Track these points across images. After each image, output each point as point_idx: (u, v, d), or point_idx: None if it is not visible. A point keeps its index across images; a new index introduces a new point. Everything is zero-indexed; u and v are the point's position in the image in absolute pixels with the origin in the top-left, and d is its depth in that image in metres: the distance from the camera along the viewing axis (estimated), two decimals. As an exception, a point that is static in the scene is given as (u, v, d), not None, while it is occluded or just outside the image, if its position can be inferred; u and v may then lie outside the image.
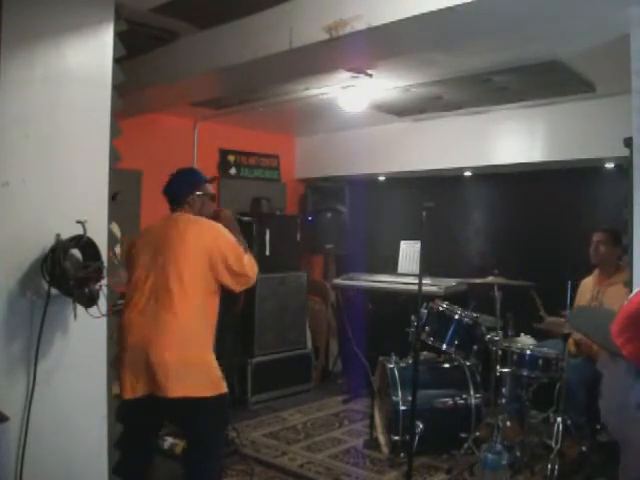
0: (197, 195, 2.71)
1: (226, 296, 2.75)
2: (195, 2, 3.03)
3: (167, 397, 2.36)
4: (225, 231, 2.65)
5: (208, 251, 2.54)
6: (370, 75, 3.77)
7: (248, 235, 5.26)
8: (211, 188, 2.87)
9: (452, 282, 5.01)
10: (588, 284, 4.07)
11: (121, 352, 2.46)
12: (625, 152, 2.61)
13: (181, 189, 2.71)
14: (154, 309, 2.44)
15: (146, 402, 2.42)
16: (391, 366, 3.96)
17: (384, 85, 4.10)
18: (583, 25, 2.89)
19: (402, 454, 3.75)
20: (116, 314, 2.65)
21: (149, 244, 2.58)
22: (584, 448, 3.58)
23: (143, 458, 2.61)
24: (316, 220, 5.88)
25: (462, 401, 3.91)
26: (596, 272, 4.06)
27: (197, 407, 2.44)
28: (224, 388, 2.56)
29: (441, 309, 4.09)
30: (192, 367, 2.43)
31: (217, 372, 2.53)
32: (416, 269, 4.62)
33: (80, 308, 2.24)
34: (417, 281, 3.33)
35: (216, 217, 2.82)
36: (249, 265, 2.66)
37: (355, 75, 3.76)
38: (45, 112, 2.33)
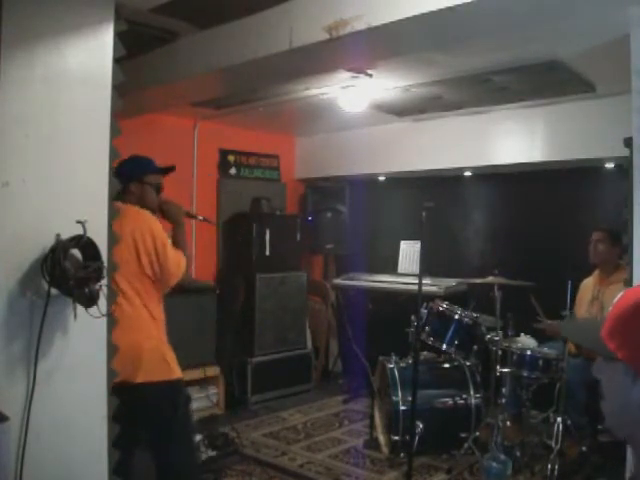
0: (141, 183, 2.69)
1: (226, 296, 2.76)
2: (195, 2, 3.03)
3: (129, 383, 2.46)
4: (153, 220, 2.64)
5: (135, 240, 2.55)
6: (370, 75, 3.76)
7: (248, 235, 5.30)
8: (161, 179, 2.81)
9: (452, 282, 5.01)
10: (589, 285, 4.07)
11: None
12: (625, 152, 2.61)
13: (125, 175, 2.66)
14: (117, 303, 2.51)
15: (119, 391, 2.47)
16: (391, 366, 3.96)
17: (384, 85, 4.10)
18: (583, 25, 2.89)
19: (402, 454, 3.76)
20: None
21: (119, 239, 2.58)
22: (584, 448, 3.58)
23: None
24: (316, 220, 5.88)
25: (462, 401, 3.91)
26: (596, 272, 4.06)
27: (149, 392, 2.51)
28: (171, 375, 2.59)
29: (441, 309, 4.10)
30: (142, 354, 2.51)
31: (166, 360, 2.58)
32: (416, 269, 4.62)
33: (80, 308, 2.24)
34: (417, 281, 3.34)
35: (161, 210, 2.80)
36: (173, 259, 2.62)
37: (355, 75, 3.76)
38: (45, 112, 2.32)
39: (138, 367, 2.52)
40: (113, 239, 2.54)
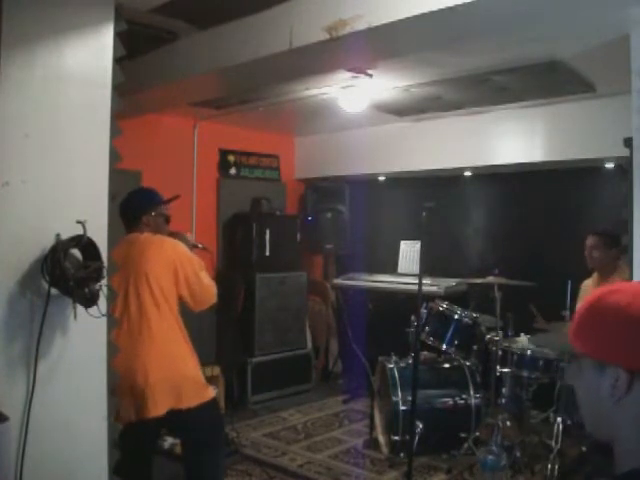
0: (152, 215, 2.73)
1: (226, 296, 2.77)
2: (195, 2, 3.03)
3: (156, 415, 2.46)
4: (184, 246, 2.70)
5: (171, 264, 2.57)
6: (370, 75, 3.76)
7: (248, 235, 5.30)
8: (167, 209, 2.86)
9: (452, 282, 5.01)
10: (589, 285, 4.07)
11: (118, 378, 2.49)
12: (625, 152, 2.61)
13: (136, 209, 2.72)
14: (132, 335, 2.51)
15: (139, 425, 2.51)
16: (391, 366, 3.96)
17: (384, 85, 4.10)
18: (583, 25, 2.89)
19: (402, 454, 3.75)
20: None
21: (119, 267, 2.56)
22: (584, 448, 3.58)
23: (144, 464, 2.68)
24: (316, 220, 5.88)
25: (462, 401, 3.91)
26: (595, 274, 4.06)
27: (187, 417, 2.53)
28: (209, 394, 2.64)
29: (441, 309, 4.10)
30: (179, 383, 2.52)
31: (201, 381, 2.62)
32: (416, 269, 4.61)
33: (80, 308, 2.24)
34: (417, 281, 3.33)
35: None
36: (208, 283, 2.67)
37: (355, 75, 3.76)
38: (45, 112, 2.32)
39: (182, 394, 2.53)
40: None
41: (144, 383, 2.47)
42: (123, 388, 2.47)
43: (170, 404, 2.50)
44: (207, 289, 2.68)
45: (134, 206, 2.73)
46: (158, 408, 2.48)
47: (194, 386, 2.58)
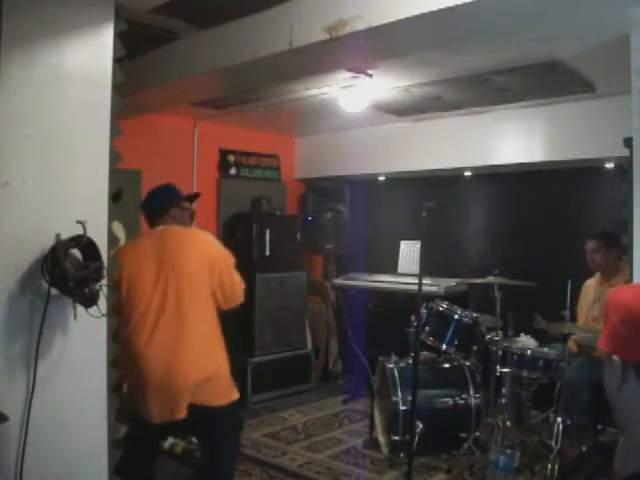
0: (179, 209, 2.72)
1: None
2: (195, 2, 3.03)
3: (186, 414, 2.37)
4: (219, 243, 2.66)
5: (210, 259, 2.52)
6: (370, 75, 3.76)
7: (248, 235, 5.30)
8: (191, 206, 2.85)
9: (452, 282, 5.01)
10: (591, 286, 4.08)
11: (139, 381, 2.39)
12: (625, 152, 2.62)
13: (163, 202, 2.70)
14: (170, 329, 2.40)
15: (162, 425, 2.42)
16: (391, 366, 3.96)
17: (384, 85, 4.10)
18: (583, 25, 2.89)
19: (402, 454, 3.75)
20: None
21: (146, 260, 2.49)
22: (584, 448, 3.58)
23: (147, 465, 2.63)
24: (316, 220, 5.88)
25: (462, 401, 3.91)
26: (598, 274, 4.06)
27: (214, 415, 2.46)
28: (236, 394, 2.58)
29: (441, 309, 4.10)
30: (213, 380, 2.45)
31: (230, 380, 2.56)
32: (416, 269, 4.61)
33: (80, 308, 2.24)
34: (417, 281, 3.33)
35: None
36: (238, 280, 2.64)
37: (355, 75, 3.76)
38: (45, 112, 2.32)
39: (215, 391, 2.47)
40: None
41: (184, 384, 2.37)
42: (158, 387, 2.36)
43: (202, 401, 2.42)
44: (237, 287, 2.63)
45: (161, 199, 2.71)
46: (188, 397, 2.39)
47: (225, 385, 2.51)
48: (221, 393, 2.47)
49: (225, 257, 2.60)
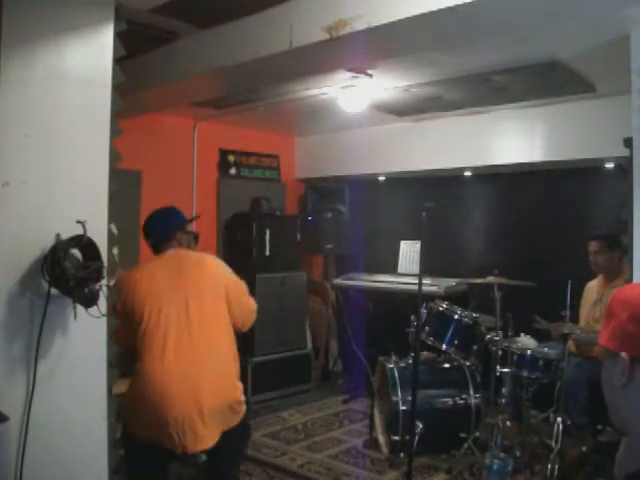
0: (185, 233, 2.63)
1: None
2: (195, 2, 3.03)
3: (209, 447, 2.28)
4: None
5: (225, 284, 2.48)
6: (370, 75, 3.77)
7: (248, 235, 5.30)
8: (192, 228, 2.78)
9: (452, 282, 5.01)
10: (593, 287, 4.08)
11: (159, 408, 2.21)
12: (625, 152, 2.62)
13: (168, 227, 2.59)
14: (192, 356, 2.29)
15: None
16: (391, 366, 3.95)
17: (384, 85, 4.10)
18: (583, 25, 2.89)
19: (402, 454, 3.75)
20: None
21: (164, 288, 2.38)
22: (584, 448, 3.58)
23: None
24: (316, 220, 5.88)
25: (462, 401, 3.91)
26: (600, 276, 4.06)
27: (231, 433, 2.38)
28: (244, 405, 2.48)
29: (441, 309, 4.09)
30: (233, 407, 2.38)
31: (242, 398, 2.46)
32: (416, 269, 4.62)
33: (80, 308, 2.24)
34: (417, 281, 3.33)
35: None
36: (252, 303, 2.62)
37: (355, 75, 3.76)
38: (45, 112, 2.33)
39: (234, 412, 2.38)
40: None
41: (208, 409, 2.26)
42: (180, 413, 2.21)
43: (227, 425, 2.34)
44: (252, 308, 2.60)
45: (166, 224, 2.60)
46: (213, 439, 2.29)
47: (238, 406, 2.41)
48: (237, 411, 2.40)
49: (238, 280, 2.58)
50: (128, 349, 2.53)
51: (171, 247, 2.55)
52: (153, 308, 2.32)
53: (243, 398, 2.44)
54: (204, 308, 2.38)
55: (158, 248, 2.57)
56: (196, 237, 2.73)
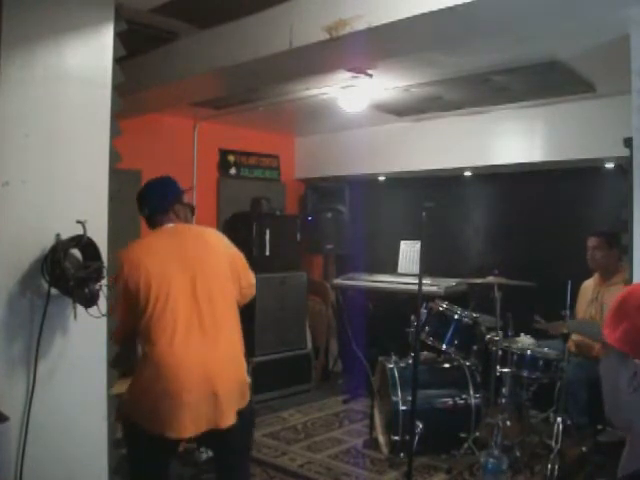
0: (182, 205, 2.51)
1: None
2: (195, 2, 3.03)
3: (227, 425, 2.22)
4: None
5: (228, 258, 2.41)
6: (370, 75, 3.77)
7: (248, 235, 5.30)
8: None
9: (452, 282, 5.01)
10: (589, 286, 4.08)
11: (170, 395, 2.13)
12: (625, 152, 2.62)
13: (165, 198, 2.46)
14: (204, 335, 2.22)
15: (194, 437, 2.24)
16: (391, 366, 3.95)
17: (384, 85, 4.10)
18: (583, 25, 2.89)
19: (402, 454, 3.75)
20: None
21: (168, 262, 2.28)
22: (584, 448, 3.58)
23: None
24: (316, 220, 5.88)
25: (462, 401, 3.91)
26: (596, 274, 4.06)
27: (248, 411, 2.35)
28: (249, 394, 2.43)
29: (441, 309, 4.09)
30: (243, 386, 2.33)
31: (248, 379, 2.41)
32: (416, 269, 4.62)
33: (80, 308, 2.24)
34: (417, 281, 3.33)
35: None
36: (252, 276, 2.54)
37: (355, 75, 3.76)
38: (45, 112, 2.33)
39: (243, 393, 2.33)
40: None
41: (230, 390, 2.22)
42: (199, 397, 2.15)
43: (239, 405, 2.29)
44: (252, 281, 2.52)
45: (163, 195, 2.46)
46: (231, 417, 2.23)
47: (246, 386, 2.35)
48: (245, 397, 2.34)
49: (239, 253, 2.50)
50: (126, 342, 2.49)
51: (169, 220, 2.42)
52: (160, 290, 2.21)
53: (249, 379, 2.38)
54: (210, 285, 2.29)
55: (154, 220, 2.44)
56: (192, 209, 2.59)
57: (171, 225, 2.42)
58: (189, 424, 2.14)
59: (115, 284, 2.31)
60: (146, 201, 2.48)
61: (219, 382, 2.19)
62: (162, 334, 2.18)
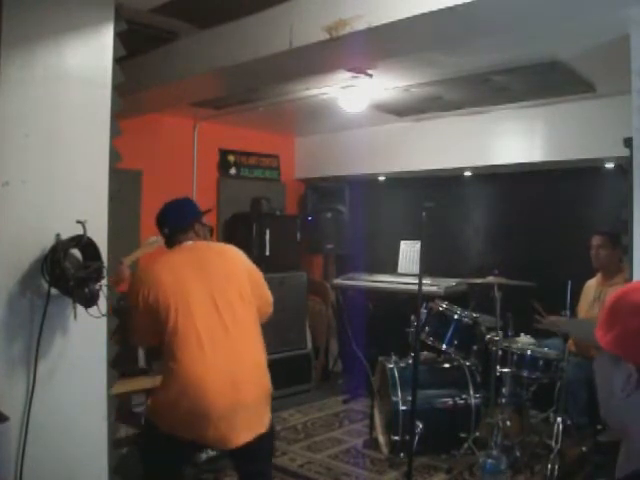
0: (201, 225, 2.55)
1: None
2: (195, 2, 3.03)
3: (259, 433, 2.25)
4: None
5: (248, 272, 2.45)
6: (370, 75, 3.77)
7: (248, 235, 5.30)
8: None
9: (452, 282, 5.01)
10: (591, 286, 4.08)
11: (198, 408, 2.14)
12: (625, 152, 2.62)
13: (187, 217, 2.50)
14: (229, 345, 2.25)
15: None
16: (391, 366, 3.95)
17: (384, 85, 4.10)
18: (583, 25, 2.89)
19: (402, 454, 3.75)
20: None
21: (189, 279, 2.29)
22: (584, 448, 3.58)
23: None
24: (316, 220, 5.88)
25: (462, 401, 3.91)
26: (599, 274, 4.06)
27: (268, 439, 2.36)
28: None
29: (441, 309, 4.09)
30: (269, 394, 2.36)
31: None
32: (416, 269, 4.61)
33: (80, 308, 2.24)
34: (417, 281, 3.33)
35: None
36: (270, 294, 2.59)
37: (355, 75, 3.76)
38: (45, 112, 2.33)
39: (270, 403, 2.37)
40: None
41: (259, 399, 2.27)
42: (222, 410, 2.15)
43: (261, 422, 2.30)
44: (268, 301, 2.58)
45: (185, 214, 2.51)
46: (261, 425, 2.28)
47: (270, 398, 2.38)
48: (270, 401, 2.37)
49: (258, 271, 2.54)
50: (130, 349, 2.51)
51: (189, 239, 2.46)
52: (180, 304, 2.22)
53: (271, 389, 2.40)
54: (232, 300, 2.33)
55: (173, 239, 2.47)
56: (211, 230, 2.64)
57: (190, 242, 2.46)
58: (219, 436, 2.17)
59: (129, 299, 2.34)
60: (166, 220, 2.50)
61: (247, 393, 2.22)
62: (185, 350, 2.19)
